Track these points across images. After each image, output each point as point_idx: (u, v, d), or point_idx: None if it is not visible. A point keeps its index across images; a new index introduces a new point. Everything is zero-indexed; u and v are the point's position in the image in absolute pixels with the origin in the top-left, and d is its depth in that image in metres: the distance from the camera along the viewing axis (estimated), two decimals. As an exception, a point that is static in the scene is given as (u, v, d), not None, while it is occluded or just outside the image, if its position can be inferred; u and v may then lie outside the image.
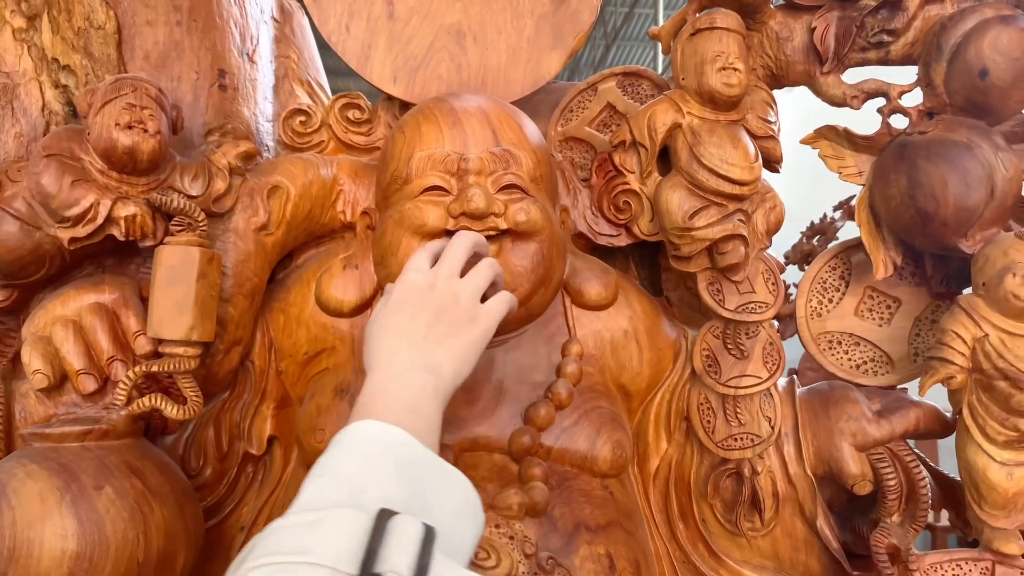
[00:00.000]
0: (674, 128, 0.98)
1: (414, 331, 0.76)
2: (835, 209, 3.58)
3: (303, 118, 1.07)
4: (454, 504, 0.65)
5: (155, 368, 0.87)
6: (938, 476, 1.03)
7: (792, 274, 3.16)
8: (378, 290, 0.98)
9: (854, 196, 1.99)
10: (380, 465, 0.62)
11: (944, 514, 1.74)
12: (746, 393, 0.98)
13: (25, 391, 0.91)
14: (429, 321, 0.76)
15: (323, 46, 1.16)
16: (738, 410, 0.98)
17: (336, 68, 1.30)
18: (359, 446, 0.64)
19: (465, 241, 0.83)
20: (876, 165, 1.01)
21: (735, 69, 0.96)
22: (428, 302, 0.77)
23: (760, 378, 0.98)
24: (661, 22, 6.02)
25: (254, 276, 0.97)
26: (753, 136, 0.99)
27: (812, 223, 3.61)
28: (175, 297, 0.85)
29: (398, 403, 0.69)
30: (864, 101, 1.03)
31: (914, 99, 1.02)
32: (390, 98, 1.08)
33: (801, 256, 3.48)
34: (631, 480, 1.03)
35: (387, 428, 0.65)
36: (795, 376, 1.05)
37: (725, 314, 0.98)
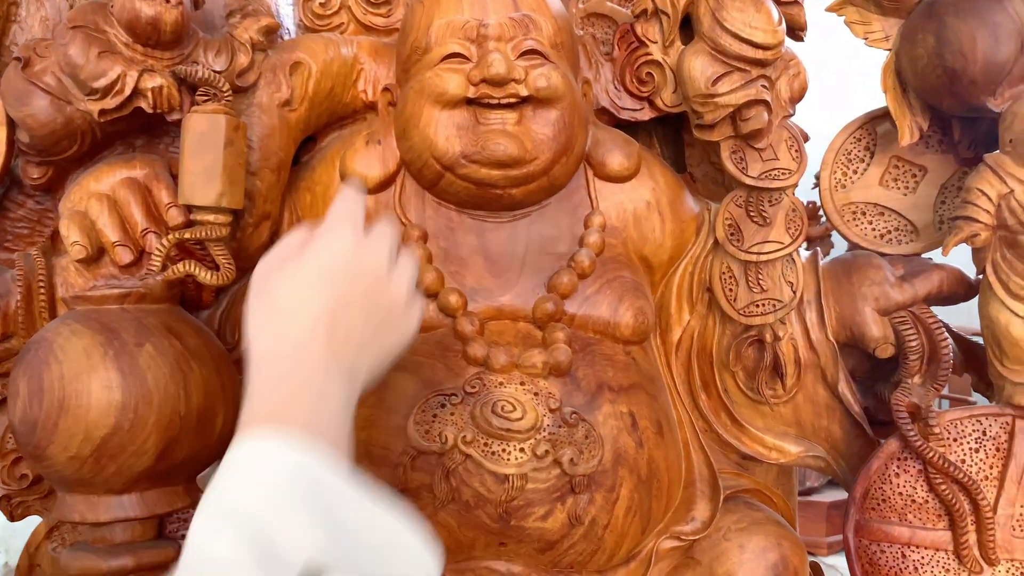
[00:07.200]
0: (696, -7, 0.97)
1: (341, 322, 0.59)
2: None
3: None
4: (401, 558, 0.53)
5: (187, 236, 0.89)
6: (961, 341, 1.04)
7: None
8: (401, 165, 0.99)
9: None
10: (300, 505, 0.48)
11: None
12: (768, 259, 0.98)
13: (65, 264, 0.95)
14: (365, 316, 0.61)
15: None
16: (760, 277, 0.99)
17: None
18: (273, 476, 0.49)
19: (394, 228, 0.69)
20: (904, 27, 0.99)
21: (758, -70, 0.93)
22: (368, 292, 0.62)
23: (782, 243, 0.98)
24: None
25: (280, 151, 0.98)
26: (777, 2, 0.98)
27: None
28: (203, 164, 0.86)
29: (318, 419, 0.54)
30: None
31: (945, -44, 0.99)
32: (409, -22, 1.07)
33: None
34: (653, 351, 1.05)
35: (308, 455, 0.50)
36: (819, 249, 1.06)
37: (748, 181, 0.98)
